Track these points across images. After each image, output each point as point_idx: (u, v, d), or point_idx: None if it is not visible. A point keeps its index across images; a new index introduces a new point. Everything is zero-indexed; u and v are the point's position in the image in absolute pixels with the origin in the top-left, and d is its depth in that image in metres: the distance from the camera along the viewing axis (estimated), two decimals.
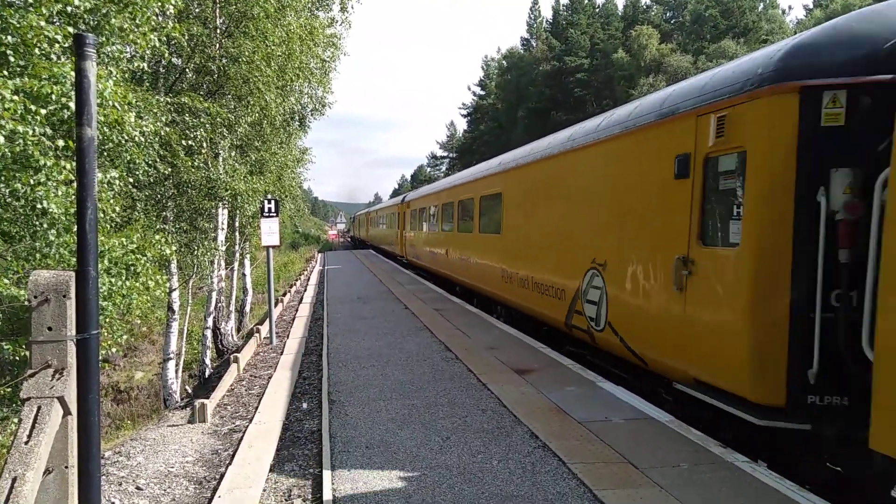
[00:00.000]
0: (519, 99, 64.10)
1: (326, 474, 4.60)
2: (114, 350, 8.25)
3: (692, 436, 5.22)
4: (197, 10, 11.86)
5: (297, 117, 18.68)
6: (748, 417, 4.76)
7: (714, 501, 4.01)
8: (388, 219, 34.53)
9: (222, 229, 13.98)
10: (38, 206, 5.62)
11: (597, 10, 64.99)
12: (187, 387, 13.53)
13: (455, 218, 16.55)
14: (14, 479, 2.71)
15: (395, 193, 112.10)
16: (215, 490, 4.64)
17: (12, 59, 5.50)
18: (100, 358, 3.36)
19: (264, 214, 10.56)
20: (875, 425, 3.68)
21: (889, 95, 4.31)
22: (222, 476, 4.91)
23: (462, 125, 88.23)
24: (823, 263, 4.47)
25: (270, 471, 4.99)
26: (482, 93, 79.26)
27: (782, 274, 4.71)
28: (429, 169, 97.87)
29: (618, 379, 7.29)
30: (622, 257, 7.00)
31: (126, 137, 6.78)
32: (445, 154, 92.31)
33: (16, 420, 5.99)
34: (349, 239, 77.96)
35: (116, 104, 6.25)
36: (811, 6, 57.87)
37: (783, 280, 4.71)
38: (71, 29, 5.90)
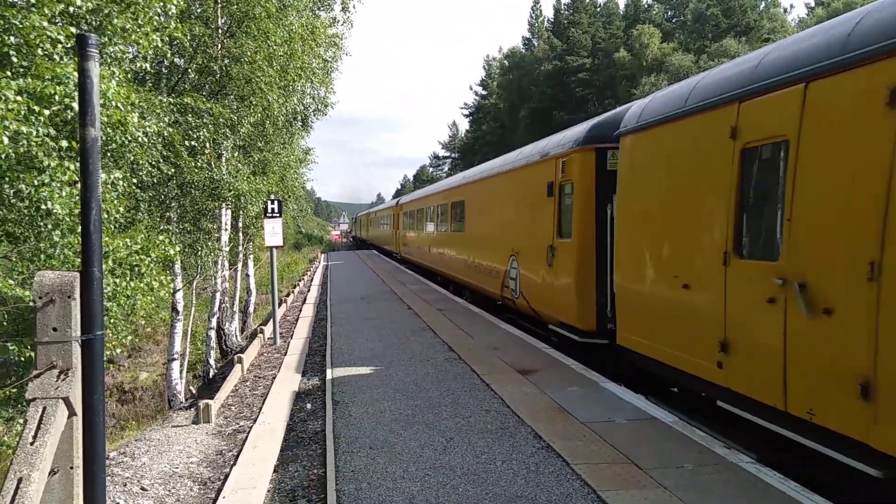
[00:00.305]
0: (521, 99, 64.04)
1: (330, 475, 4.60)
2: (118, 351, 8.26)
3: (696, 436, 5.20)
4: (199, 11, 11.87)
5: (299, 117, 18.66)
6: (577, 339, 8.37)
7: (718, 502, 3.99)
8: (385, 219, 38.09)
9: (226, 230, 13.99)
10: (43, 206, 5.62)
11: (598, 9, 64.89)
12: (191, 387, 13.55)
13: (436, 219, 19.98)
14: (20, 480, 2.71)
15: (398, 193, 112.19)
16: (220, 491, 4.65)
17: (15, 59, 5.51)
18: (104, 359, 3.36)
19: (268, 215, 10.58)
20: (619, 329, 7.02)
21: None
22: (227, 477, 4.91)
23: (464, 125, 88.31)
24: (611, 247, 7.70)
25: (274, 471, 5.00)
26: (484, 92, 79.19)
27: (591, 253, 8.22)
28: (431, 169, 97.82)
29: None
30: (525, 247, 10.53)
31: (129, 138, 6.79)
32: (448, 154, 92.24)
33: (21, 421, 6.00)
34: (351, 239, 78.20)
35: (119, 105, 6.26)
36: (813, 4, 57.67)
37: (591, 257, 8.20)
38: (73, 29, 5.91)
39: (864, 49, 3.90)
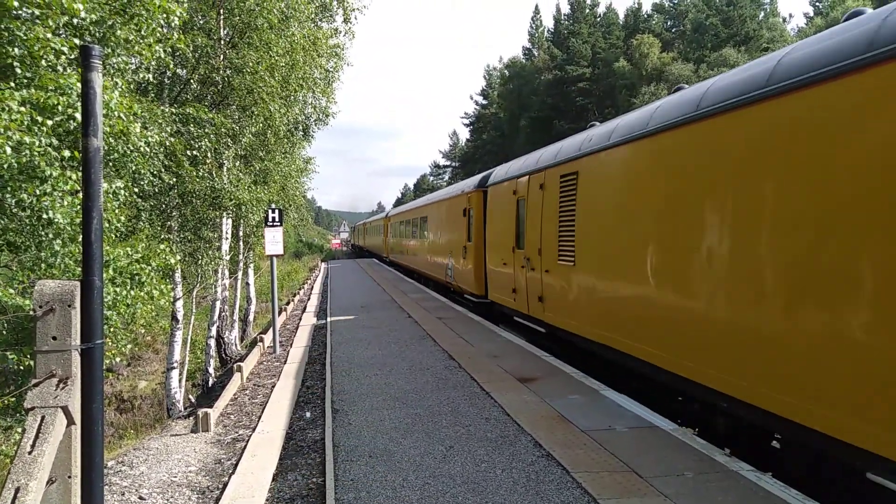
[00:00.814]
0: (521, 108, 64.27)
1: (329, 484, 4.59)
2: (118, 360, 8.27)
3: (696, 444, 5.19)
4: (201, 22, 11.98)
5: (300, 127, 18.77)
6: (474, 300, 14.59)
7: None
8: (377, 229, 45.17)
9: (226, 239, 14.02)
10: (44, 216, 5.65)
11: (598, 19, 65.27)
12: (191, 396, 13.51)
13: (410, 230, 26.70)
14: (17, 489, 2.71)
15: (398, 202, 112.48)
16: (218, 500, 4.64)
17: (19, 70, 5.56)
18: (104, 367, 3.37)
19: (268, 224, 10.60)
20: (489, 291, 13.31)
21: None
22: (225, 485, 4.90)
23: (465, 134, 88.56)
24: (485, 247, 13.54)
25: (273, 480, 4.99)
26: (484, 102, 79.52)
27: (482, 251, 13.69)
28: (432, 178, 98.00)
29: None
30: (454, 248, 16.68)
31: (131, 148, 6.83)
32: (448, 163, 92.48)
33: (20, 430, 6.00)
34: (351, 247, 78.63)
35: (122, 115, 6.31)
36: (812, 14, 57.99)
37: (482, 253, 13.66)
38: (77, 41, 5.96)
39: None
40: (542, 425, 5.77)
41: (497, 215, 12.42)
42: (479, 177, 15.50)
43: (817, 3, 57.68)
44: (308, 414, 6.85)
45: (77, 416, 3.12)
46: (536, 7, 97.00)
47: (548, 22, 73.84)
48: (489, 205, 13.14)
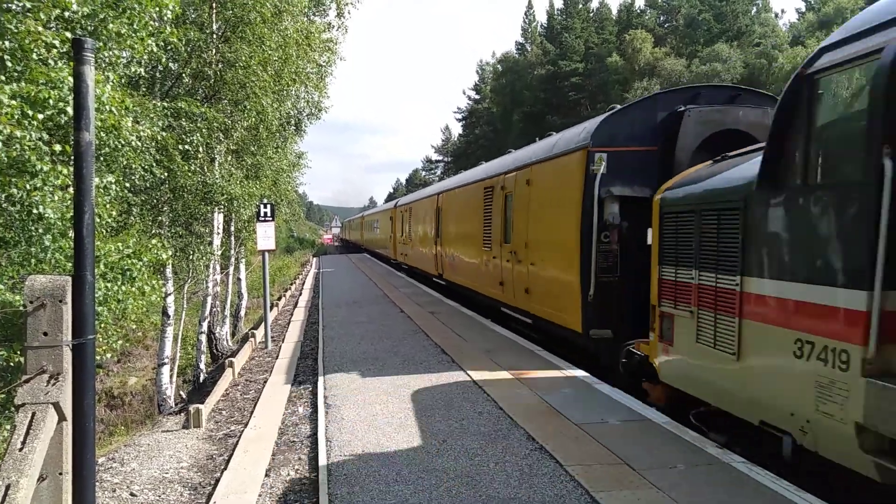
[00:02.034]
0: (514, 103, 64.24)
1: (323, 478, 4.60)
2: (108, 355, 8.22)
3: (688, 437, 5.23)
4: (194, 16, 11.88)
5: (293, 122, 18.69)
6: (435, 279, 19.01)
7: (711, 502, 4.03)
8: (358, 226, 56.63)
9: (218, 234, 13.95)
10: (35, 210, 5.60)
11: (591, 14, 65.24)
12: (182, 392, 13.47)
13: (379, 226, 36.82)
14: (7, 487, 2.70)
15: (391, 197, 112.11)
16: (210, 495, 4.63)
17: (10, 63, 5.50)
18: (94, 363, 3.35)
19: (260, 219, 10.56)
20: (445, 275, 18.00)
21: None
22: (217, 481, 4.89)
23: (457, 129, 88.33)
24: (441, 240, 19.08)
25: (266, 475, 4.98)
26: (477, 97, 79.37)
27: (441, 242, 18.53)
28: (424, 173, 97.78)
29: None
30: (431, 241, 19.33)
31: (123, 142, 6.77)
32: (441, 158, 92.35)
33: (9, 427, 5.96)
34: (340, 241, 79.19)
35: (114, 109, 6.24)
36: (803, 10, 58.21)
37: (440, 243, 18.37)
38: (68, 34, 5.90)
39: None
40: (534, 419, 5.80)
41: (455, 218, 17.92)
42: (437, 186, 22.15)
43: None
44: (300, 409, 6.85)
45: (68, 413, 3.10)
46: (530, 2, 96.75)
47: (541, 17, 73.60)
48: (445, 207, 18.68)
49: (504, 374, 7.60)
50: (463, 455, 4.95)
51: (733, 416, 4.90)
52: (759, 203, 4.54)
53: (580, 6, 65.28)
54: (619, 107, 8.76)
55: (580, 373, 7.66)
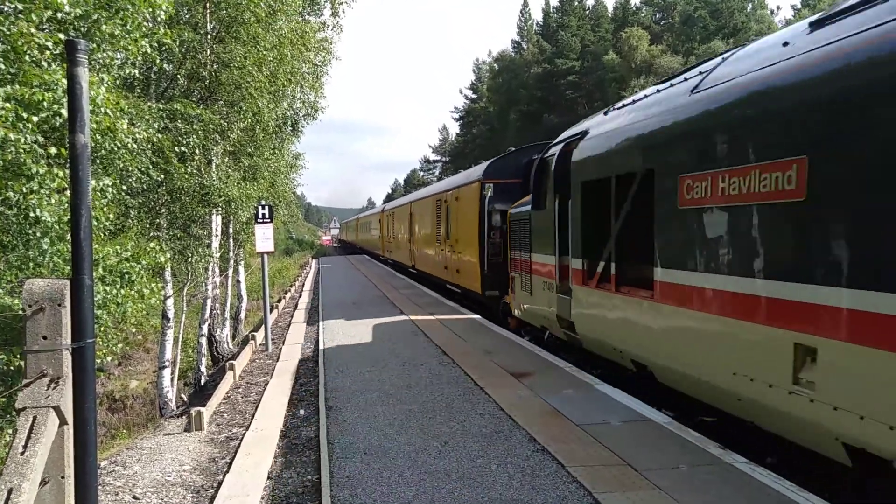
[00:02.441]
0: (510, 102, 64.25)
1: (325, 481, 4.58)
2: (109, 359, 8.19)
3: (690, 437, 5.22)
4: (188, 16, 11.82)
5: (289, 122, 18.63)
6: (411, 270, 24.23)
7: (714, 502, 4.01)
8: (355, 227, 62.93)
9: (216, 236, 13.91)
10: (31, 214, 5.57)
11: (587, 12, 65.27)
12: (183, 395, 13.43)
13: (370, 227, 43.15)
14: (10, 491, 2.68)
15: (388, 198, 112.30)
16: (213, 499, 4.61)
17: (3, 66, 5.46)
18: (95, 367, 3.33)
19: (258, 220, 10.52)
20: (416, 265, 23.81)
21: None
22: (220, 484, 4.87)
23: (454, 129, 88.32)
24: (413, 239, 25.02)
25: (268, 478, 4.96)
26: (474, 96, 79.37)
27: (413, 241, 24.34)
28: (422, 173, 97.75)
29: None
30: (407, 240, 25.19)
31: (118, 144, 6.74)
32: (438, 158, 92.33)
33: (11, 431, 5.93)
34: (339, 242, 79.24)
35: (108, 111, 6.21)
36: (799, 6, 58.30)
37: (413, 242, 23.96)
38: (61, 36, 5.87)
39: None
40: (536, 420, 5.79)
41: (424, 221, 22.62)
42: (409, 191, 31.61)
43: None
44: (302, 411, 6.83)
45: (69, 416, 3.08)
46: (525, 0, 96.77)
47: (537, 15, 73.66)
48: (417, 214, 23.53)
49: (505, 375, 7.63)
50: (465, 456, 4.94)
51: (536, 326, 9.92)
52: (534, 217, 9.37)
53: (576, 4, 65.33)
54: (503, 154, 14.47)
55: (581, 373, 7.69)
